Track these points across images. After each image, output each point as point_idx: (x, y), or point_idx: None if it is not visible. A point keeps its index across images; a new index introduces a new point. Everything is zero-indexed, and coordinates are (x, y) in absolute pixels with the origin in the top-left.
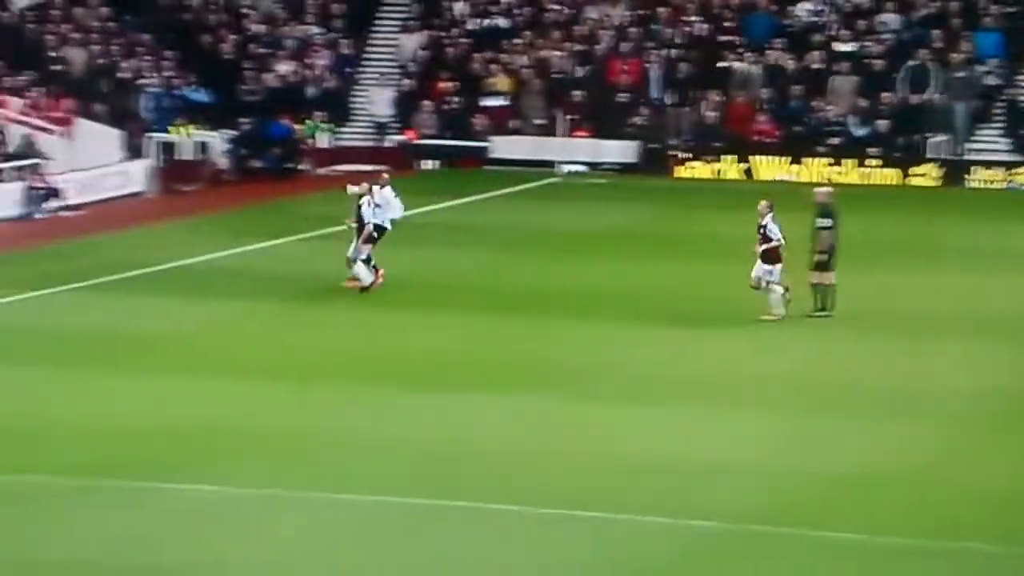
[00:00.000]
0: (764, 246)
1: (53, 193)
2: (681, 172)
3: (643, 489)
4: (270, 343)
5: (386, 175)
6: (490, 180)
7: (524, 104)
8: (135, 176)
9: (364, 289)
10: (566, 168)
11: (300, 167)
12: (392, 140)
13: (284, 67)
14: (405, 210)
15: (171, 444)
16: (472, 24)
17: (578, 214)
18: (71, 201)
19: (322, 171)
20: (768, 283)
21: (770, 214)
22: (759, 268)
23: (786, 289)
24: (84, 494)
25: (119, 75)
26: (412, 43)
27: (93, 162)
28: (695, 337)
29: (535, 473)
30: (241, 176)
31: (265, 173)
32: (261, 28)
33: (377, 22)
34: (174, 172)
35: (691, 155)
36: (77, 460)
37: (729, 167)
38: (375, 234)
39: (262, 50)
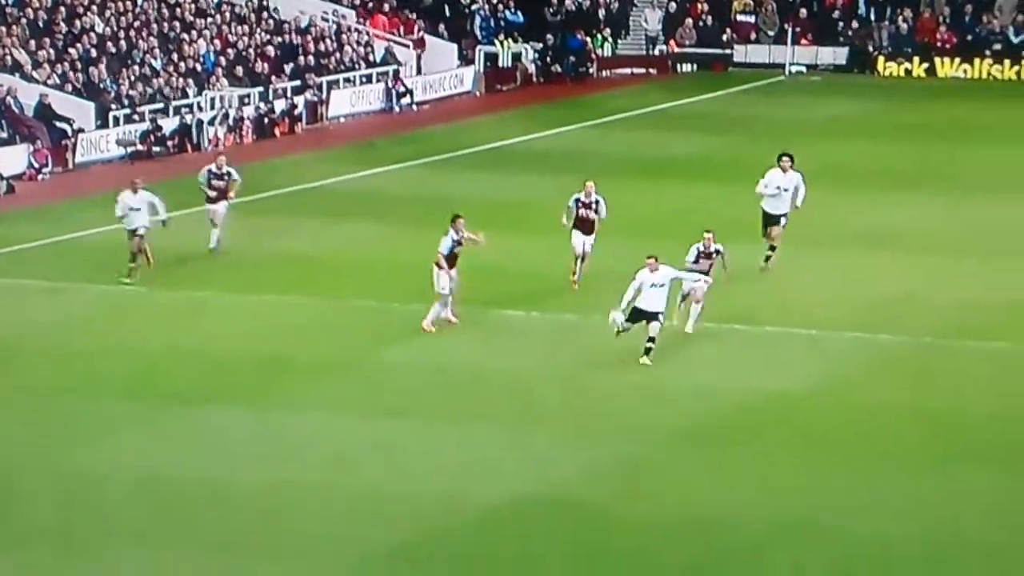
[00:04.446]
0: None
1: (407, 92)
2: (880, 70)
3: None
4: None
5: (138, 180)
6: (733, 79)
7: (762, 21)
8: (466, 79)
9: None
10: (793, 69)
11: (590, 71)
12: (659, 50)
13: None
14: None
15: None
16: None
17: (802, 106)
18: (419, 98)
19: (605, 74)
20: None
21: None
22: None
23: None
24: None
25: (458, 2)
26: None
27: (435, 69)
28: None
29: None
30: (545, 78)
31: (563, 76)
32: None
33: None
34: (495, 76)
35: (888, 57)
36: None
37: (917, 67)
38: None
39: None
